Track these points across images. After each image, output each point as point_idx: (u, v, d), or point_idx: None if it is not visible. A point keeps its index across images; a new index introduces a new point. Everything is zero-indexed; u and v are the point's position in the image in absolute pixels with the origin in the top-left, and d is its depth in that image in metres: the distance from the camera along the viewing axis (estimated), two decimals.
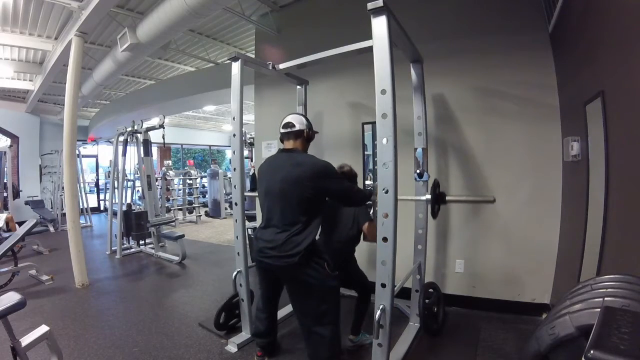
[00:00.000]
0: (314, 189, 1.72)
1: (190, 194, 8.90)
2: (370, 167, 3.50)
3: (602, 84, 1.69)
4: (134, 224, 4.84)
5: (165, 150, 11.46)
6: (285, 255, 1.69)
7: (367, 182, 3.47)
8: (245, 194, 2.52)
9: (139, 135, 5.01)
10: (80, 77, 3.84)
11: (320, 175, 1.73)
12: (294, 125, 1.88)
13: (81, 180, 7.44)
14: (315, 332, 1.75)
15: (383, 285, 1.63)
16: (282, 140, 1.94)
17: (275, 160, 1.89)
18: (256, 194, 2.13)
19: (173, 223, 7.10)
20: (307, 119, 1.94)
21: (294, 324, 2.66)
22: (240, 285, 2.35)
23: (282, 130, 1.91)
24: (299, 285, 1.77)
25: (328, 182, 1.76)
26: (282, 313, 2.73)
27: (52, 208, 7.70)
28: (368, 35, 1.66)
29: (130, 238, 5.14)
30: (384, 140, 1.57)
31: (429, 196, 2.17)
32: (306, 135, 1.91)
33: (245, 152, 6.54)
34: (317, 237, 1.97)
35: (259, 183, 1.93)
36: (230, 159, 2.61)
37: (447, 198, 2.26)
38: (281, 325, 2.62)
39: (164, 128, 4.64)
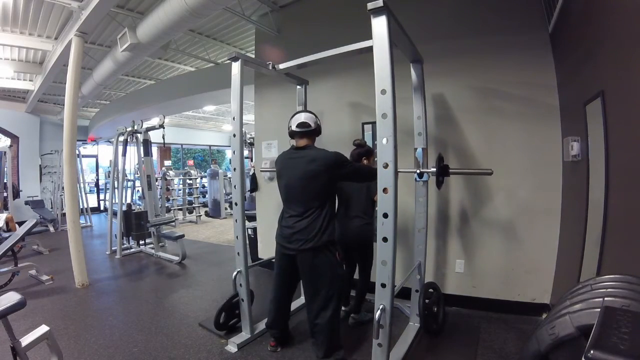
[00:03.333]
0: (329, 179, 1.99)
1: (190, 194, 8.90)
2: None
3: (602, 84, 1.69)
4: (134, 224, 4.84)
5: (165, 150, 11.46)
6: (305, 239, 1.96)
7: None
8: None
9: (139, 135, 5.01)
10: (80, 77, 3.84)
11: (333, 166, 1.99)
12: (310, 125, 2.09)
13: (81, 180, 7.44)
14: (321, 316, 2.01)
15: (383, 285, 1.63)
16: (293, 137, 2.15)
17: (292, 157, 2.11)
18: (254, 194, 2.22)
19: (173, 223, 7.10)
20: (316, 116, 2.16)
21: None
22: (240, 285, 2.35)
23: (297, 130, 2.09)
24: (314, 269, 2.00)
25: (340, 170, 2.02)
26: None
27: (52, 208, 7.70)
28: (368, 35, 1.66)
29: (130, 238, 5.13)
30: (384, 140, 1.57)
31: (434, 169, 2.18)
32: (318, 131, 2.14)
33: (245, 152, 6.53)
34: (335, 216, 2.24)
35: (278, 178, 2.18)
36: (230, 159, 2.61)
37: (450, 170, 2.24)
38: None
39: (164, 128, 4.64)
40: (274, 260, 2.28)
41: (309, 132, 2.09)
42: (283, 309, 2.27)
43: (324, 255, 1.99)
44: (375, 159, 1.65)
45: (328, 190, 2.03)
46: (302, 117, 2.10)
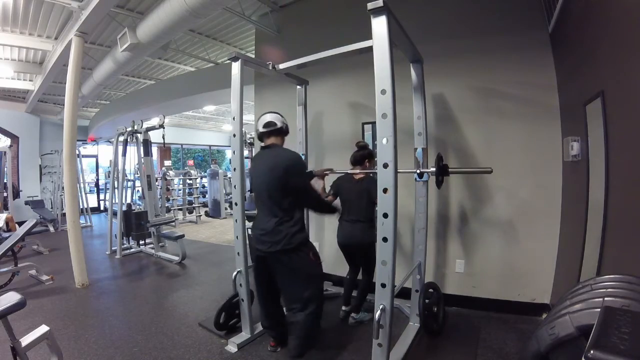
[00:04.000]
0: (286, 181, 1.94)
1: (190, 194, 8.90)
2: None
3: (602, 84, 1.69)
4: (134, 224, 4.84)
5: (165, 150, 11.46)
6: (274, 241, 1.93)
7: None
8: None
9: (139, 135, 5.00)
10: (80, 77, 3.84)
11: (287, 170, 1.95)
12: (275, 124, 2.10)
13: (81, 180, 7.44)
14: (300, 318, 1.96)
15: (383, 285, 1.63)
16: (261, 139, 2.16)
17: (260, 157, 2.14)
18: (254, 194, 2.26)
19: (173, 223, 7.10)
20: (282, 116, 2.15)
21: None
22: (240, 285, 2.35)
23: (263, 130, 2.10)
24: (284, 271, 1.98)
25: (292, 178, 1.96)
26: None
27: (52, 208, 7.70)
28: (368, 35, 1.66)
29: (130, 238, 5.13)
30: (384, 140, 1.58)
31: (433, 168, 2.18)
32: (285, 131, 2.14)
33: (245, 152, 6.53)
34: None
35: (250, 179, 2.14)
36: (230, 159, 2.60)
37: (450, 170, 2.24)
38: None
39: (164, 128, 4.64)
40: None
41: (275, 131, 2.10)
42: (271, 309, 2.22)
43: (296, 257, 1.94)
44: (375, 159, 1.65)
45: (291, 194, 1.98)
46: (269, 117, 2.12)
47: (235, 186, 2.31)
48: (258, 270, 2.10)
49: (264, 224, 1.98)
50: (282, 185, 1.94)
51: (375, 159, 1.81)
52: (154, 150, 5.10)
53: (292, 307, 2.00)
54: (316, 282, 2.03)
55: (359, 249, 2.54)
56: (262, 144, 2.16)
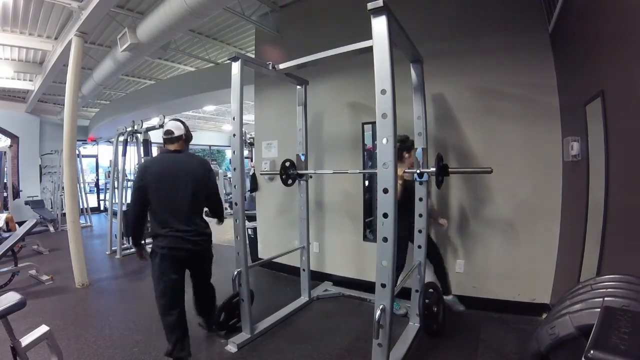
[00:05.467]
0: (208, 182, 2.23)
1: None
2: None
3: (602, 84, 1.69)
4: None
5: None
6: (202, 239, 2.17)
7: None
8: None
9: (139, 135, 5.00)
10: (80, 77, 3.84)
11: (211, 173, 2.28)
12: (173, 133, 2.18)
13: (81, 180, 7.44)
14: (208, 285, 2.39)
15: (383, 285, 1.63)
16: (165, 144, 2.22)
17: (167, 160, 2.16)
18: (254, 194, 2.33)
19: None
20: (183, 124, 2.24)
21: (294, 323, 2.67)
22: (240, 285, 2.35)
23: (165, 137, 2.20)
24: (206, 259, 2.30)
25: (213, 179, 2.31)
26: (280, 314, 2.76)
27: (52, 208, 7.70)
28: (368, 35, 1.66)
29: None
30: (384, 140, 1.58)
31: (433, 168, 2.18)
32: (186, 137, 2.22)
33: (245, 152, 6.53)
34: None
35: (153, 181, 2.05)
36: (230, 159, 2.60)
37: (450, 170, 2.24)
38: (281, 325, 2.64)
39: (164, 128, 4.63)
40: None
41: (176, 137, 2.18)
42: (182, 312, 2.09)
43: (210, 246, 2.29)
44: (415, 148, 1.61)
45: (206, 193, 2.26)
46: (168, 126, 2.20)
47: (235, 186, 2.31)
48: (173, 264, 2.06)
49: (188, 226, 2.07)
50: (204, 186, 2.19)
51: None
52: (154, 150, 5.08)
53: (205, 281, 2.36)
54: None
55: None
56: (166, 149, 2.21)
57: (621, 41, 1.49)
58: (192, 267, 2.23)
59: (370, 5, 1.57)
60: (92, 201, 9.59)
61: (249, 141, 6.62)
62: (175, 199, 2.06)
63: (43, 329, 1.70)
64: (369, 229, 3.37)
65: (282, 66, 2.51)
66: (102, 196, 10.40)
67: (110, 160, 6.58)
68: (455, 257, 2.90)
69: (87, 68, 5.41)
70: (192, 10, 3.02)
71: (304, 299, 3.06)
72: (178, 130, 2.19)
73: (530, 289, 2.64)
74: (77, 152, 5.83)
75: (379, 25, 1.59)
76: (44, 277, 3.71)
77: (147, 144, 4.95)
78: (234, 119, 2.30)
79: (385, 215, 1.59)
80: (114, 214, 5.28)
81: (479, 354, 2.18)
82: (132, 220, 2.13)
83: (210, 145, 14.34)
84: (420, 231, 2.46)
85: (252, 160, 6.76)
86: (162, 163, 2.15)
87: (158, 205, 2.06)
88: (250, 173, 4.46)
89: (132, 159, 7.01)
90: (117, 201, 5.23)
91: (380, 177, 1.60)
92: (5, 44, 4.68)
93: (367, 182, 3.45)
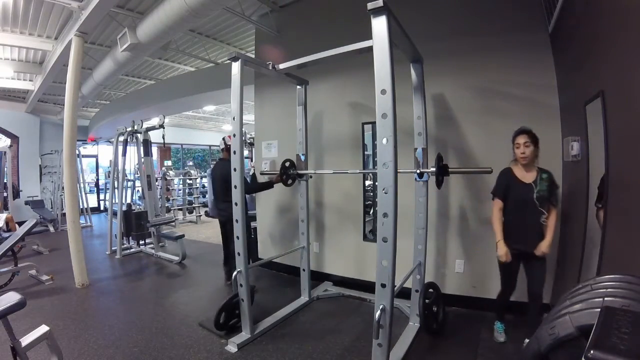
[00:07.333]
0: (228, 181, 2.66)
1: (190, 194, 8.89)
2: (370, 166, 3.50)
3: (602, 84, 1.69)
4: (134, 224, 4.84)
5: (165, 150, 11.45)
6: (229, 213, 2.48)
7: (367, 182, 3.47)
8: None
9: (139, 135, 5.00)
10: (80, 77, 3.84)
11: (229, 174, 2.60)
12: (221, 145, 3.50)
13: (81, 180, 7.44)
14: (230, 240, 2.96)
15: (383, 285, 1.63)
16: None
17: (219, 165, 3.49)
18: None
19: (173, 223, 7.10)
20: (224, 140, 3.48)
21: (294, 323, 2.68)
22: (241, 285, 2.35)
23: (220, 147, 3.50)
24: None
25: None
26: (280, 314, 2.76)
27: (52, 208, 7.70)
28: (368, 35, 1.66)
29: (130, 238, 5.14)
30: (384, 140, 1.58)
31: (433, 168, 2.18)
32: (227, 149, 3.37)
33: (245, 152, 6.53)
34: None
35: (211, 176, 3.58)
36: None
37: (450, 170, 2.23)
38: (281, 325, 2.65)
39: (164, 128, 4.64)
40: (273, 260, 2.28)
41: (223, 149, 3.50)
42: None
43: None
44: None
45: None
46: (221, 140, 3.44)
47: (235, 186, 2.31)
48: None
49: (221, 204, 3.40)
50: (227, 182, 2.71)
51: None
52: (154, 150, 5.09)
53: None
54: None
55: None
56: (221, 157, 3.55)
57: (621, 41, 1.49)
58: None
59: (370, 5, 1.57)
60: (92, 201, 9.59)
61: (249, 141, 6.61)
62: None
63: (43, 329, 1.70)
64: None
65: (282, 66, 2.51)
66: (102, 196, 10.40)
67: (110, 160, 6.58)
68: (455, 257, 2.90)
69: (87, 68, 5.42)
70: (192, 10, 3.02)
71: (304, 299, 3.07)
72: (221, 144, 3.52)
73: None
74: (77, 152, 5.84)
75: (379, 25, 1.59)
76: (44, 277, 3.71)
77: (147, 144, 4.95)
78: (234, 119, 2.30)
79: (385, 215, 1.59)
80: (114, 214, 5.28)
81: (479, 354, 2.18)
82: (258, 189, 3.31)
83: (210, 145, 14.33)
84: (419, 230, 2.46)
85: (252, 160, 6.75)
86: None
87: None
88: (250, 173, 4.46)
89: (132, 159, 7.03)
90: (117, 201, 5.23)
91: (380, 177, 1.60)
92: (5, 44, 4.68)
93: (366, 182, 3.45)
